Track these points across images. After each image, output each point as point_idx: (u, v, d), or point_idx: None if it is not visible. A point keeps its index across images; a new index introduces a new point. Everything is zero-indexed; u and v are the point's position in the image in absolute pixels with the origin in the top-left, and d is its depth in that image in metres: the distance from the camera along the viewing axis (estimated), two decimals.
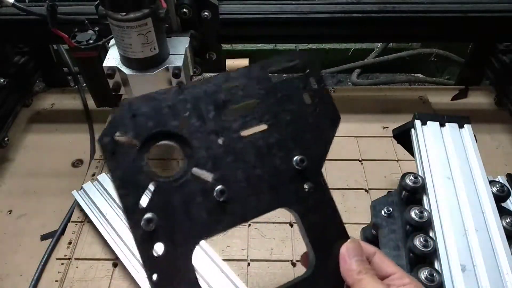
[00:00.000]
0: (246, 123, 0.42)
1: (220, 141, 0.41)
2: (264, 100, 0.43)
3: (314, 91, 0.45)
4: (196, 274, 0.37)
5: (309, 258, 0.41)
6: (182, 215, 0.38)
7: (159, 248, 0.37)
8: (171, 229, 0.38)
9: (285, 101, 0.44)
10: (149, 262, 0.36)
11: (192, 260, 0.38)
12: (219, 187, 0.39)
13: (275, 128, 0.43)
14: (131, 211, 0.36)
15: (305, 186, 0.42)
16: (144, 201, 0.37)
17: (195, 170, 0.39)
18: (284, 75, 0.45)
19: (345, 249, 0.40)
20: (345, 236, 0.41)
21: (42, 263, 0.70)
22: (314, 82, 0.45)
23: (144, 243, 0.36)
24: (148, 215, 0.36)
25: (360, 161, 0.84)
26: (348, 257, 0.39)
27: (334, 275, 0.40)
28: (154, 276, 0.36)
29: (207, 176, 0.40)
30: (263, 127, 0.43)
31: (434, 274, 0.52)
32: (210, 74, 1.22)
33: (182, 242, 0.38)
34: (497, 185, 0.62)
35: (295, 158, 0.42)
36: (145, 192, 0.37)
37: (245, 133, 0.42)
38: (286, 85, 0.45)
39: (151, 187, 0.37)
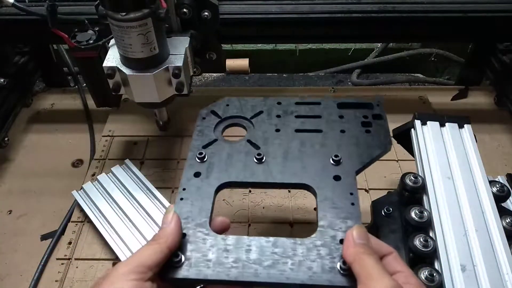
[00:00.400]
0: (303, 125, 0.56)
1: (276, 129, 0.56)
2: (326, 117, 0.57)
3: (372, 121, 0.56)
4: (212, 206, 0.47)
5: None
6: (224, 160, 0.52)
7: (197, 174, 0.50)
8: (212, 165, 0.51)
9: (344, 122, 0.56)
10: (186, 179, 0.49)
11: (215, 197, 0.48)
12: (258, 152, 0.52)
13: (325, 135, 0.54)
14: (194, 148, 0.53)
15: (334, 179, 0.49)
16: (205, 146, 0.54)
17: (249, 141, 0.54)
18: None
19: (352, 232, 0.41)
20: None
21: (42, 263, 0.70)
22: (374, 117, 0.57)
23: (190, 167, 0.51)
24: (202, 151, 0.52)
25: None
26: (353, 237, 0.41)
27: (333, 251, 0.42)
28: (183, 190, 0.48)
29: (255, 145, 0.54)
30: (316, 132, 0.55)
31: (434, 274, 0.52)
32: (210, 74, 1.22)
33: (214, 176, 0.50)
34: (497, 185, 0.62)
35: (334, 156, 0.51)
36: (208, 142, 0.54)
37: (298, 132, 0.55)
38: (349, 113, 0.57)
39: (215, 141, 0.54)
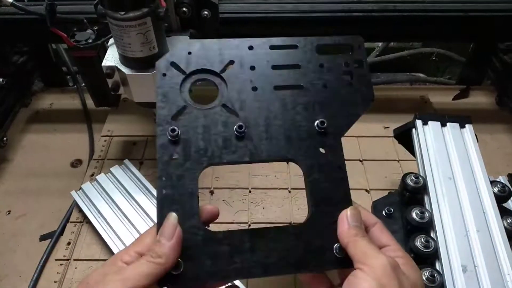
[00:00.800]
0: (281, 80, 0.49)
1: (252, 87, 0.48)
2: (305, 67, 0.50)
3: (354, 70, 0.50)
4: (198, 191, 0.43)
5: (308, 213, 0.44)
6: (201, 135, 0.45)
7: (173, 157, 0.44)
8: (189, 143, 0.44)
9: (324, 73, 0.50)
10: (162, 165, 0.43)
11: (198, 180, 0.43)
12: (239, 123, 0.45)
13: (307, 92, 0.49)
14: (163, 121, 0.45)
15: (321, 149, 0.46)
16: (175, 116, 0.45)
17: (225, 106, 0.47)
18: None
19: (346, 214, 0.42)
20: (348, 204, 0.43)
21: (41, 264, 0.69)
22: (356, 63, 0.51)
23: (163, 148, 0.44)
24: (173, 126, 0.44)
25: (361, 161, 0.84)
26: (348, 220, 0.41)
27: (327, 233, 0.42)
28: (162, 178, 0.43)
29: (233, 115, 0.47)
30: (297, 89, 0.49)
31: (435, 275, 0.52)
32: None
33: (194, 157, 0.44)
34: (498, 185, 0.61)
35: (317, 120, 0.46)
36: (177, 110, 0.45)
37: (277, 90, 0.48)
38: (329, 59, 0.51)
39: (184, 108, 0.46)
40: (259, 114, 0.47)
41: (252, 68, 0.49)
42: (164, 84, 0.46)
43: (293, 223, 0.73)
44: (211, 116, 0.46)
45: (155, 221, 0.73)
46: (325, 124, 0.46)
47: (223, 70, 0.49)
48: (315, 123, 0.46)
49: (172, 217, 0.40)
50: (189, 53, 0.48)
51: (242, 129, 0.45)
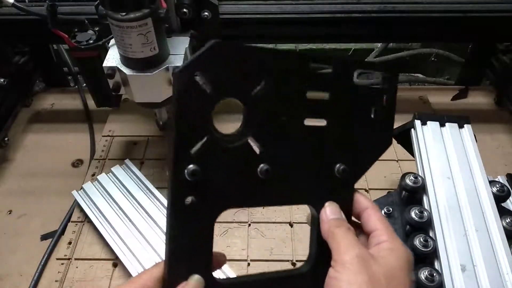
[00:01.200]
0: (311, 111, 0.42)
1: (281, 118, 0.40)
2: (336, 97, 0.43)
3: (381, 108, 0.45)
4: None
5: (310, 255, 0.41)
6: (220, 174, 0.38)
7: (188, 200, 0.37)
8: (206, 184, 0.38)
9: (353, 107, 0.44)
10: (175, 209, 0.37)
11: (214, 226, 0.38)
12: (265, 166, 0.39)
13: (334, 128, 0.43)
14: (179, 157, 0.37)
15: (334, 194, 0.42)
16: (193, 151, 0.37)
17: (251, 139, 0.39)
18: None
19: (324, 210, 0.40)
20: None
21: (42, 263, 0.69)
22: (385, 98, 0.45)
23: (177, 189, 0.37)
24: (194, 166, 0.36)
25: None
26: (326, 216, 0.39)
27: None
28: (174, 225, 0.37)
29: (257, 149, 0.39)
30: (323, 122, 0.43)
31: (434, 274, 0.52)
32: None
33: (210, 201, 0.38)
34: (497, 185, 0.62)
35: (339, 167, 0.43)
36: (196, 144, 0.37)
37: (306, 122, 0.41)
38: (362, 91, 0.44)
39: (205, 138, 0.37)
40: (285, 153, 0.41)
41: (285, 94, 0.41)
42: (182, 106, 0.37)
43: (293, 222, 0.74)
44: (235, 152, 0.39)
45: (156, 220, 0.73)
46: (346, 172, 0.43)
47: (253, 89, 0.39)
48: (335, 169, 0.43)
49: (196, 279, 0.37)
50: (218, 59, 0.38)
51: (267, 174, 0.39)
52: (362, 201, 0.42)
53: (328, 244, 0.38)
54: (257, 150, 0.40)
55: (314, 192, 0.42)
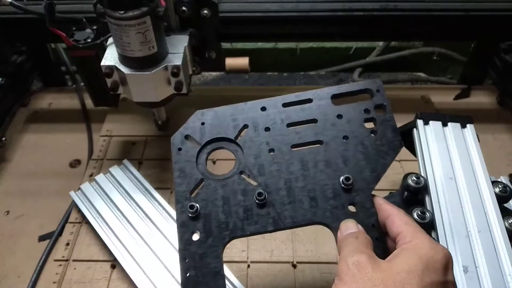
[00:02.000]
0: (298, 138, 0.47)
1: (269, 149, 0.47)
2: (322, 120, 0.48)
3: (376, 116, 0.48)
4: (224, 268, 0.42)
5: None
6: (221, 207, 0.44)
7: (195, 236, 0.43)
8: (209, 218, 0.43)
9: (344, 124, 0.48)
10: (183, 245, 0.42)
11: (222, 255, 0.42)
12: (258, 190, 0.44)
13: (327, 147, 0.47)
14: (181, 197, 0.44)
15: (350, 207, 0.44)
16: (193, 191, 0.45)
17: (245, 175, 0.46)
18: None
19: (339, 230, 0.42)
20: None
21: (39, 264, 0.69)
22: (377, 107, 0.49)
23: (184, 226, 0.43)
24: (192, 202, 0.43)
25: None
26: (340, 234, 0.41)
27: None
28: (185, 259, 0.41)
29: (252, 181, 0.45)
30: (316, 145, 0.47)
31: None
32: (209, 73, 1.22)
33: (216, 233, 0.43)
34: (500, 186, 0.61)
35: (342, 177, 0.44)
36: (195, 185, 0.45)
37: (295, 148, 0.47)
38: (347, 109, 0.49)
39: (202, 181, 0.45)
40: (279, 177, 0.45)
41: (267, 129, 0.48)
42: (180, 159, 0.46)
43: None
44: (230, 186, 0.45)
45: (154, 221, 0.72)
46: (350, 180, 0.43)
47: (238, 136, 0.48)
48: (340, 180, 0.44)
49: None
50: (203, 123, 0.48)
51: (262, 196, 0.43)
52: (384, 208, 0.43)
53: None
54: (253, 183, 0.45)
55: (323, 208, 0.44)
